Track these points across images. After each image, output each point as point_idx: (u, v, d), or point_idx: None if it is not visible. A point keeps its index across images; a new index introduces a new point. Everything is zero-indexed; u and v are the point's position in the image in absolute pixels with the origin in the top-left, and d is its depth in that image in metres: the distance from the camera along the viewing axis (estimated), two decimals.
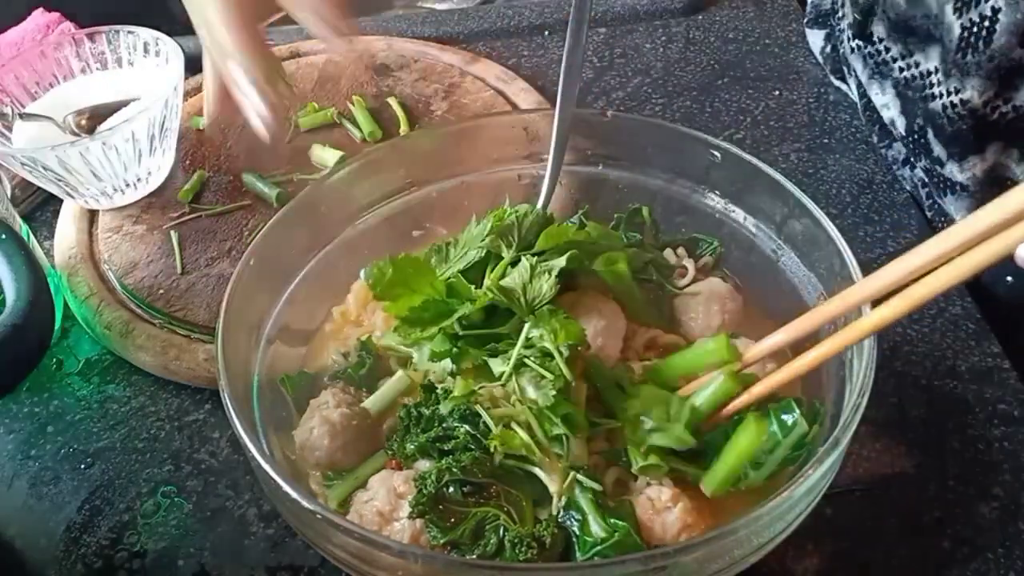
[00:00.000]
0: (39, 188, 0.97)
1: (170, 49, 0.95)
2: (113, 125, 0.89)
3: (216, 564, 0.71)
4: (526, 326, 0.64)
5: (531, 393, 0.61)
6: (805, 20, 1.12)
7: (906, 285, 0.54)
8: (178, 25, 0.98)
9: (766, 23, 1.17)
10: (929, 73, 0.87)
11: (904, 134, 0.94)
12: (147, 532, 0.73)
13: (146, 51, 0.97)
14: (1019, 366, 0.80)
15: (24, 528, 0.74)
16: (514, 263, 0.68)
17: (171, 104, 0.91)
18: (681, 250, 0.78)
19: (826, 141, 1.01)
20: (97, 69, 0.98)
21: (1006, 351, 0.81)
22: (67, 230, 0.94)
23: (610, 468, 0.63)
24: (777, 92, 1.07)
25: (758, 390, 0.62)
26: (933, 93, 0.87)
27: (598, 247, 0.71)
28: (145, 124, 0.89)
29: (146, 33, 0.96)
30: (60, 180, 0.89)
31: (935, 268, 0.52)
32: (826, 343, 0.59)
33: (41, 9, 1.11)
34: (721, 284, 0.74)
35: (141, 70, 0.98)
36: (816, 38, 1.11)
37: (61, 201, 0.97)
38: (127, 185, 0.93)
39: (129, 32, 0.97)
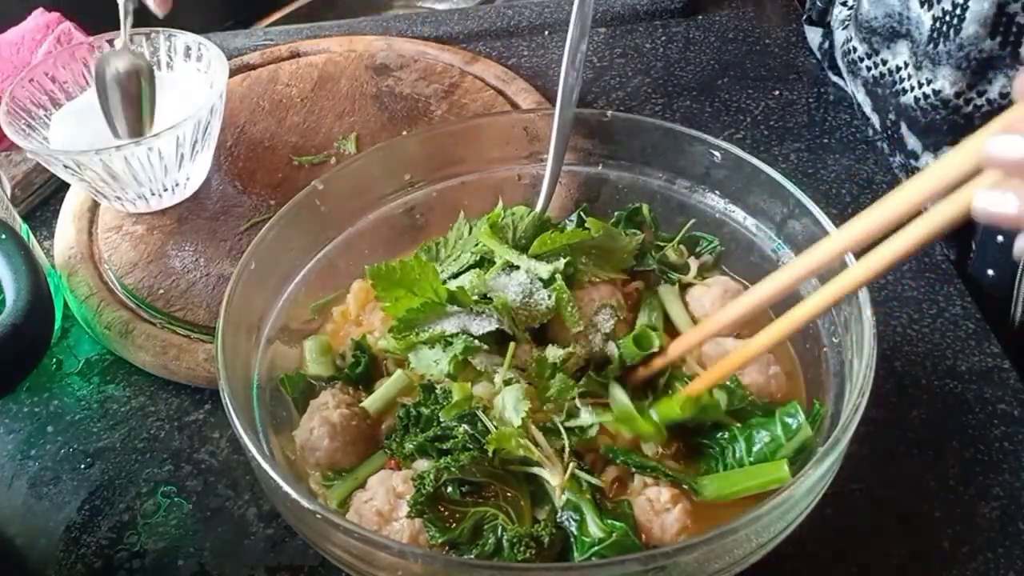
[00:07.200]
0: (39, 188, 0.97)
1: (213, 54, 0.93)
2: (160, 130, 0.87)
3: (216, 564, 0.71)
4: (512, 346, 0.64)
5: (508, 413, 0.61)
6: (804, 17, 1.12)
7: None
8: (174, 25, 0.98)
9: (766, 23, 1.17)
10: (899, 68, 0.89)
11: (879, 130, 0.95)
12: (147, 532, 0.73)
13: (187, 55, 0.96)
14: (1013, 360, 0.80)
15: (24, 528, 0.74)
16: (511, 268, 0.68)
17: (216, 109, 0.91)
18: (681, 248, 0.78)
19: (826, 141, 1.01)
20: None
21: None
22: (67, 230, 0.94)
23: (608, 467, 0.64)
24: (777, 92, 1.07)
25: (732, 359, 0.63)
26: (904, 88, 0.88)
27: (596, 247, 0.71)
28: (191, 128, 0.88)
29: (186, 37, 0.95)
30: (105, 183, 0.88)
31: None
32: (807, 302, 0.58)
33: (41, 9, 1.11)
34: (732, 282, 0.74)
35: (182, 74, 0.97)
36: (814, 34, 1.11)
37: (61, 201, 0.97)
38: (165, 189, 0.92)
39: (170, 35, 0.95)
